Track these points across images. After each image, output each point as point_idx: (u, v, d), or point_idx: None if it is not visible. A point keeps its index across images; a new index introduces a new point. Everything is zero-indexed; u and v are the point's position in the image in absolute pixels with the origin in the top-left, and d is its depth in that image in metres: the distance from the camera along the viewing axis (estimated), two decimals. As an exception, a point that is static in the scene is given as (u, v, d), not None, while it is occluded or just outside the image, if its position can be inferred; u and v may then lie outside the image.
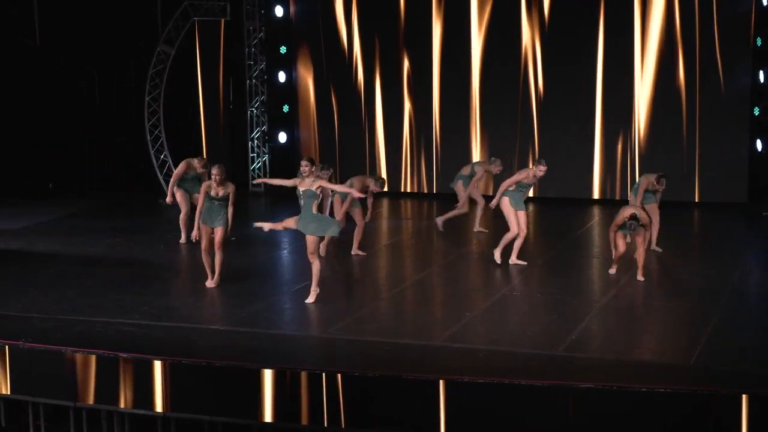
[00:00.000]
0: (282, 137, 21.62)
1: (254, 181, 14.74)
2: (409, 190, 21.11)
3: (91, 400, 11.52)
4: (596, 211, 19.47)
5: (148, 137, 20.90)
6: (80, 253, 16.41)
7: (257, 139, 21.74)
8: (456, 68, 20.51)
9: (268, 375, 10.97)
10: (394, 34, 20.77)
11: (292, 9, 21.34)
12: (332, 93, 21.31)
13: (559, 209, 19.80)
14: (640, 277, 14.06)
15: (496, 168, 16.91)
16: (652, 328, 12.54)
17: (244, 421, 11.12)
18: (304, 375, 10.88)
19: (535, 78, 20.13)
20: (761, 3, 18.78)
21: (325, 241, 15.19)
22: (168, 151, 21.02)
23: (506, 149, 20.01)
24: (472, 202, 17.21)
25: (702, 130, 19.41)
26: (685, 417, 10.12)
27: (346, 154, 21.29)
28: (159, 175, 21.03)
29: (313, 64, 21.35)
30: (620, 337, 12.12)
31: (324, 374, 10.84)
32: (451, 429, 10.49)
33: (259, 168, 21.76)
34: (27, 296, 13.80)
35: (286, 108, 21.58)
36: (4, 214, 19.33)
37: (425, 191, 21.01)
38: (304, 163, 13.21)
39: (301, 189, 13.12)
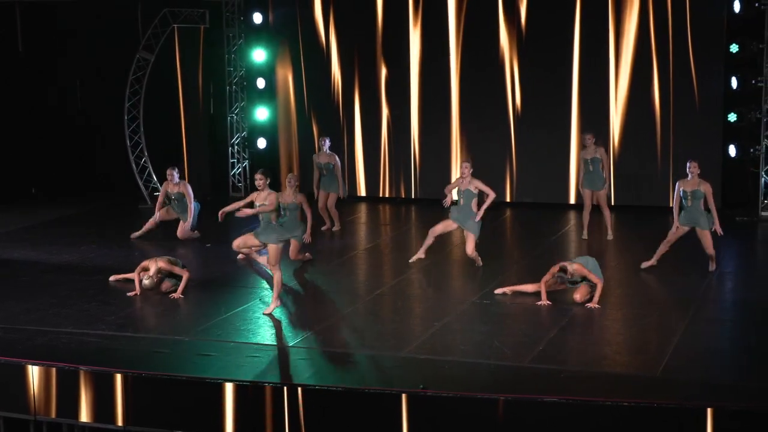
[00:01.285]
0: (261, 143, 21.17)
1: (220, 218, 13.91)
2: (387, 195, 20.64)
3: (53, 414, 11.10)
4: (572, 216, 19.01)
5: (128, 143, 20.42)
6: (56, 260, 15.96)
7: (237, 144, 21.29)
8: (435, 72, 20.06)
9: (229, 388, 10.54)
10: (371, 41, 20.31)
11: (270, 15, 20.88)
12: (311, 99, 20.85)
13: (536, 214, 19.35)
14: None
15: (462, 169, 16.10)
16: (621, 338, 12.13)
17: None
18: (267, 389, 10.45)
19: (513, 85, 19.69)
20: (733, 9, 18.34)
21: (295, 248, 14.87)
22: (148, 157, 20.54)
23: (484, 154, 19.55)
24: None
25: (676, 135, 19.00)
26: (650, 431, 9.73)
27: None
28: (139, 180, 20.55)
29: (293, 70, 20.89)
30: (588, 348, 11.70)
31: (285, 388, 10.41)
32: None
33: (239, 173, 21.33)
34: (-4, 305, 13.38)
35: (265, 114, 21.12)
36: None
37: (403, 196, 20.55)
38: (258, 176, 12.86)
39: (257, 202, 12.82)
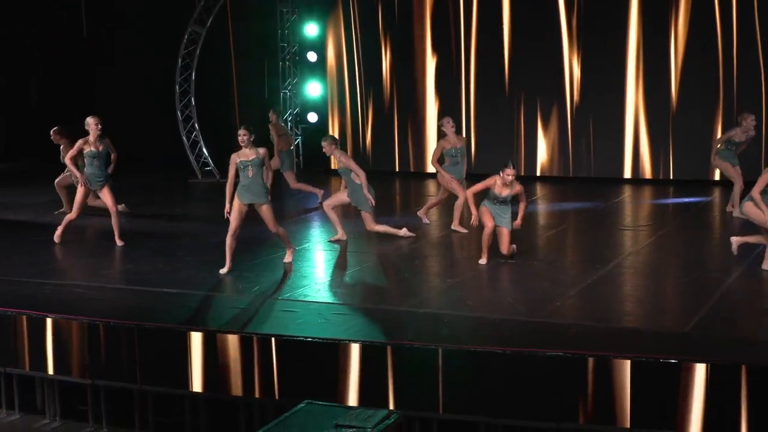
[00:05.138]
0: (312, 117, 19.50)
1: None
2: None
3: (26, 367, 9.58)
4: (627, 190, 16.93)
5: (179, 117, 18.94)
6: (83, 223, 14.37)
7: (289, 120, 19.64)
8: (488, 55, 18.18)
9: (196, 338, 8.83)
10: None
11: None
12: (365, 74, 19.12)
13: (590, 187, 17.24)
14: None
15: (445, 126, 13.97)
16: (650, 296, 10.13)
17: (174, 390, 9.00)
18: (233, 338, 8.71)
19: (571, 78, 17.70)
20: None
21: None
22: (200, 132, 19.03)
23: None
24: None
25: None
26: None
27: (376, 138, 19.15)
28: (190, 155, 19.04)
29: (346, 44, 19.19)
30: (612, 306, 9.73)
31: (255, 338, 8.67)
32: (399, 396, 8.26)
33: (292, 149, 19.64)
34: None
35: (317, 87, 19.47)
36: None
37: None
38: (242, 131, 11.08)
39: (240, 159, 11.06)
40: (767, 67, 16.68)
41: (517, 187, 11.30)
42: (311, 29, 19.38)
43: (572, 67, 17.76)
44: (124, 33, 20.57)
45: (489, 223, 11.25)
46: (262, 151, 11.04)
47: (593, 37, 17.62)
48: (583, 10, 17.61)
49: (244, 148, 11.07)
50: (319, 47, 19.44)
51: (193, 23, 18.83)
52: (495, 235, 11.36)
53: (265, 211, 11.13)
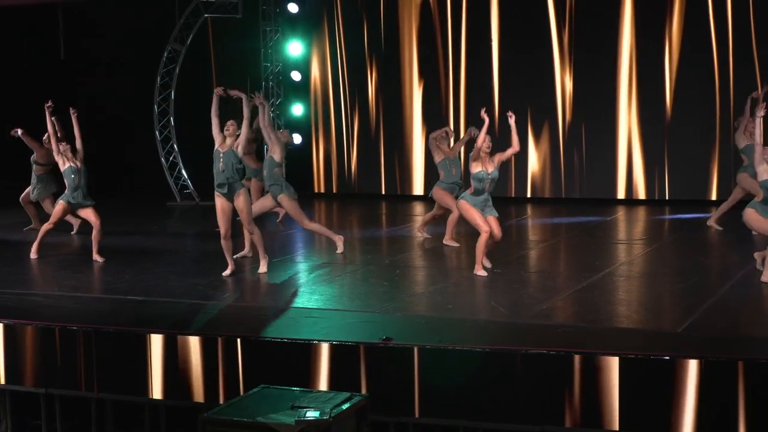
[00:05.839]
0: (297, 139, 19.07)
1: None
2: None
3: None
4: (620, 210, 16.46)
5: (158, 138, 18.49)
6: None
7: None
8: (478, 69, 17.76)
9: (156, 341, 8.32)
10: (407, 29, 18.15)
11: (306, 4, 18.86)
12: (349, 93, 18.72)
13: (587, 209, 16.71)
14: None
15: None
16: (644, 299, 9.66)
17: (134, 398, 8.47)
18: (195, 340, 8.20)
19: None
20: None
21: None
22: (178, 154, 18.57)
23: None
24: None
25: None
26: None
27: (362, 159, 18.72)
28: (169, 177, 18.56)
29: (330, 63, 18.80)
30: (602, 307, 9.23)
31: (220, 339, 8.16)
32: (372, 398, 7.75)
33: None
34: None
35: (300, 109, 19.06)
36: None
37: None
38: (230, 122, 11.17)
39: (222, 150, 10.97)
40: (764, 80, 16.30)
41: (496, 157, 10.81)
42: (295, 48, 19.00)
43: (564, 85, 17.34)
44: (102, 51, 20.11)
45: (485, 227, 10.66)
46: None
47: (585, 55, 17.20)
48: (574, 29, 17.23)
49: (227, 138, 10.90)
50: (304, 66, 19.06)
51: (173, 41, 18.45)
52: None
53: (241, 203, 10.80)
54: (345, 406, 5.62)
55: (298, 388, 6.35)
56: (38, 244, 12.44)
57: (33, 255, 12.35)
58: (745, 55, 16.31)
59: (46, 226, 12.54)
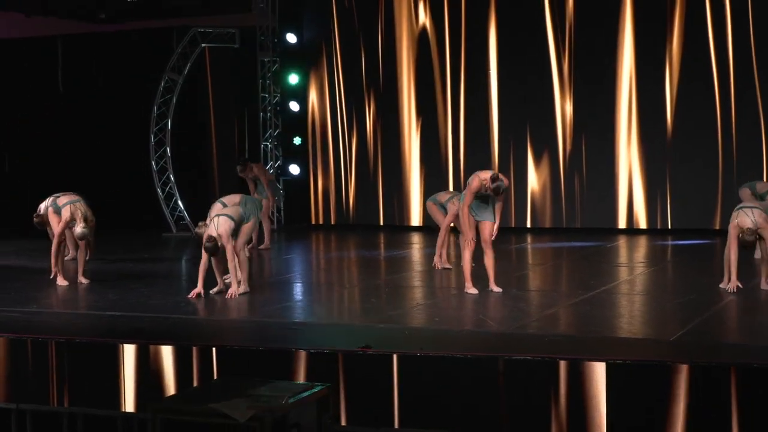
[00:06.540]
0: (294, 170, 18.89)
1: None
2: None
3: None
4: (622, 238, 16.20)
5: (154, 168, 18.35)
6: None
7: (272, 172, 19.01)
8: (477, 100, 17.60)
9: (129, 350, 8.08)
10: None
11: (304, 35, 18.77)
12: (346, 121, 18.58)
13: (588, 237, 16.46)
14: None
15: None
16: (641, 310, 9.39)
17: (106, 412, 8.22)
18: (169, 350, 7.96)
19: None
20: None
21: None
22: (174, 185, 18.40)
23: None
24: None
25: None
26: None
27: (360, 190, 18.54)
28: (165, 208, 18.38)
29: (329, 93, 18.68)
30: (595, 319, 8.97)
31: (195, 348, 7.92)
32: (351, 408, 7.50)
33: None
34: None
35: (298, 140, 18.90)
36: None
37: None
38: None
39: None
40: (765, 109, 16.12)
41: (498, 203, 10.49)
42: (292, 78, 18.90)
43: (564, 113, 17.19)
44: (100, 81, 20.00)
45: (469, 235, 10.30)
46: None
47: (585, 83, 17.06)
48: (573, 57, 17.08)
49: None
50: (302, 97, 18.93)
51: (170, 71, 18.37)
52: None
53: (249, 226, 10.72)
54: (304, 394, 5.38)
55: (259, 378, 6.11)
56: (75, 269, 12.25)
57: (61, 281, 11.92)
58: (746, 82, 16.12)
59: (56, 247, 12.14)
